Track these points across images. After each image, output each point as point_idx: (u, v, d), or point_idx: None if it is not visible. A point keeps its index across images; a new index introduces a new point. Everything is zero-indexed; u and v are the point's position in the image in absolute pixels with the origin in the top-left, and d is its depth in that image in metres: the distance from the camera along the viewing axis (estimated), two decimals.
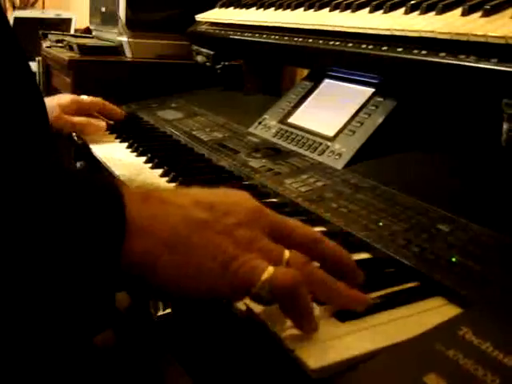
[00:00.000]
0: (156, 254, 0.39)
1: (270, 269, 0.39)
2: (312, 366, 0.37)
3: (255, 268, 0.39)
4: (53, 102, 1.00)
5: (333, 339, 0.40)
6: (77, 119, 1.01)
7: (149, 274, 0.39)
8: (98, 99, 1.09)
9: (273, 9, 1.05)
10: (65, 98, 1.05)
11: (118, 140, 1.00)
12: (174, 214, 0.41)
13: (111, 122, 1.07)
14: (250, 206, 0.43)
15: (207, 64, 1.28)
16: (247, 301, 0.44)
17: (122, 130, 1.04)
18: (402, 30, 0.70)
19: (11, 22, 2.46)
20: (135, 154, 0.90)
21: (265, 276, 0.39)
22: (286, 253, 0.41)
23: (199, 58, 1.29)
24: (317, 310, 0.44)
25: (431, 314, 0.44)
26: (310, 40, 0.88)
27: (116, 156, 0.89)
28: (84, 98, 1.07)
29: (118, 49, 1.46)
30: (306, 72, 1.08)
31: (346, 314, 0.42)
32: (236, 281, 0.40)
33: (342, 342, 0.40)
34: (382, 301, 0.45)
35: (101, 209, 0.38)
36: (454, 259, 0.49)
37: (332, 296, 0.42)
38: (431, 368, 0.35)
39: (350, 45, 0.79)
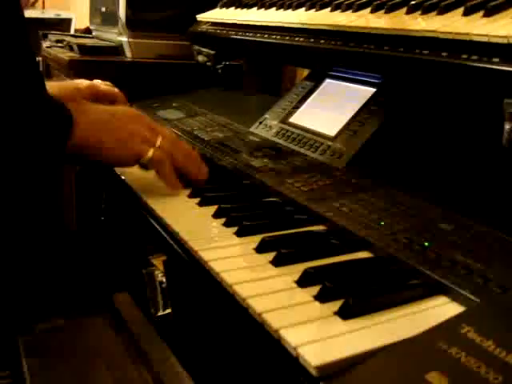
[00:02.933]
0: (88, 134, 0.68)
1: (151, 150, 0.71)
2: (314, 363, 0.37)
3: (144, 148, 0.71)
4: (71, 86, 0.99)
5: (335, 337, 0.40)
6: None
7: (85, 150, 0.68)
8: (115, 90, 1.07)
9: (274, 9, 1.05)
10: (82, 83, 1.04)
11: None
12: (97, 111, 0.72)
13: None
14: (136, 112, 0.77)
15: (208, 64, 1.28)
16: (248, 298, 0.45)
17: None
18: (404, 30, 0.71)
19: None
20: None
21: (148, 154, 0.70)
22: (159, 138, 0.72)
23: (200, 58, 1.29)
24: (320, 307, 0.44)
25: (433, 312, 0.44)
26: (312, 40, 0.88)
27: None
28: (101, 85, 1.06)
29: (118, 49, 1.46)
30: (306, 72, 1.08)
31: (348, 311, 0.42)
32: (134, 151, 0.71)
33: (344, 340, 0.40)
34: (384, 299, 0.45)
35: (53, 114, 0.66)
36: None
37: (186, 164, 0.74)
38: (433, 366, 0.35)
39: (352, 45, 0.79)
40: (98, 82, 1.06)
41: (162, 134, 0.73)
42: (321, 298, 0.45)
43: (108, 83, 1.07)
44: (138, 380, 0.79)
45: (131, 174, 0.78)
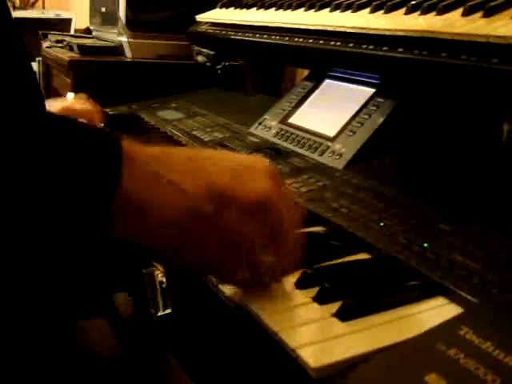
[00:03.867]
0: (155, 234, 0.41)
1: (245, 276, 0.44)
2: (312, 365, 0.37)
3: (232, 274, 0.44)
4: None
5: (333, 339, 0.40)
6: None
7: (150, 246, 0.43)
8: (91, 109, 1.05)
9: (273, 9, 1.05)
10: (55, 105, 1.02)
11: None
12: (179, 204, 0.41)
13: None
14: (259, 198, 0.43)
15: (207, 64, 1.28)
16: (247, 300, 0.45)
17: (123, 130, 1.04)
18: (403, 31, 0.71)
19: None
20: None
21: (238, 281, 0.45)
22: (265, 264, 0.44)
23: (200, 58, 1.29)
24: (318, 309, 0.44)
25: (432, 313, 0.44)
26: (311, 40, 0.88)
27: None
28: (77, 105, 1.04)
29: (118, 49, 1.46)
30: (305, 72, 1.08)
31: (347, 313, 0.42)
32: (227, 272, 0.45)
33: (342, 342, 0.40)
34: (383, 301, 0.45)
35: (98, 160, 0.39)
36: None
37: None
38: (432, 367, 0.34)
39: (351, 45, 0.79)
40: (72, 100, 1.05)
41: (282, 245, 0.45)
42: (319, 299, 0.45)
43: (82, 101, 1.06)
44: (137, 379, 0.79)
45: None
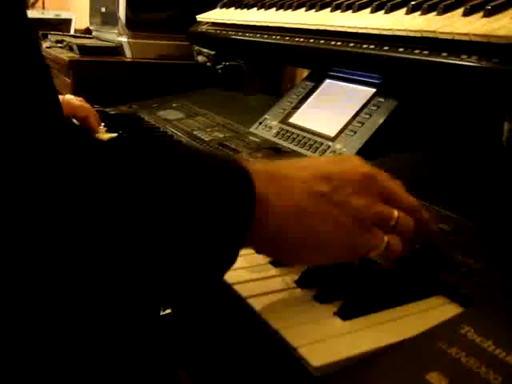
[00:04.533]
0: (284, 229, 0.41)
1: (385, 240, 0.45)
2: (314, 363, 0.37)
3: (371, 241, 0.44)
4: None
5: (335, 337, 0.40)
6: None
7: (277, 248, 0.43)
8: (86, 105, 1.05)
9: (274, 9, 1.05)
10: None
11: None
12: (298, 189, 0.43)
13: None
14: (363, 172, 0.46)
15: (208, 64, 1.28)
16: (248, 299, 0.45)
17: (123, 129, 1.04)
18: (404, 30, 0.71)
19: None
20: None
21: (380, 248, 0.44)
22: (395, 213, 0.46)
23: (200, 58, 1.29)
24: (319, 308, 0.44)
25: (433, 312, 0.44)
26: (312, 40, 0.88)
27: None
28: (75, 101, 1.05)
29: (118, 49, 1.46)
30: (305, 72, 1.08)
31: (348, 312, 0.42)
32: (355, 251, 0.45)
33: (344, 340, 0.40)
34: (383, 300, 0.45)
35: (229, 187, 0.39)
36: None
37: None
38: (433, 366, 0.35)
39: (352, 45, 0.79)
40: (70, 97, 1.05)
41: (399, 202, 0.47)
42: (320, 298, 0.45)
43: (80, 99, 1.06)
44: (137, 379, 0.79)
45: None
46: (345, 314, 0.42)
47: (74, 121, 1.02)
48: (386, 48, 0.73)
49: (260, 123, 0.95)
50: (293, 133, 0.87)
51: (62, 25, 2.64)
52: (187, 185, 0.36)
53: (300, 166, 0.46)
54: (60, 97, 0.89)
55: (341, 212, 0.43)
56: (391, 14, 0.78)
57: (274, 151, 0.83)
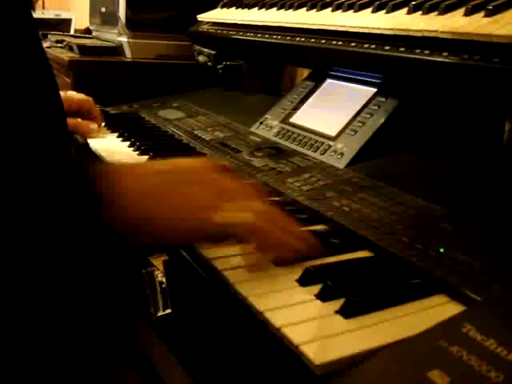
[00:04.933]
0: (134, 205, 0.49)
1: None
2: (316, 361, 0.37)
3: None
4: None
5: (337, 335, 0.40)
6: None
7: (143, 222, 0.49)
8: (88, 98, 1.06)
9: (275, 9, 1.05)
10: None
11: (120, 139, 1.00)
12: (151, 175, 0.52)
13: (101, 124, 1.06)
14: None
15: (209, 64, 1.28)
16: (249, 297, 0.45)
17: (124, 129, 1.04)
18: (405, 30, 0.71)
19: None
20: (137, 152, 0.90)
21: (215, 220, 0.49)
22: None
23: (201, 58, 1.29)
24: (321, 306, 0.44)
25: (434, 311, 0.44)
26: (313, 40, 0.88)
27: (118, 155, 0.89)
28: (74, 95, 1.05)
29: (118, 49, 1.46)
30: (306, 72, 1.08)
31: (350, 310, 0.42)
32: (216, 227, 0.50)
33: (345, 339, 0.40)
34: (385, 298, 0.45)
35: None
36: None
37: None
38: (435, 364, 0.35)
39: (353, 44, 0.79)
40: (72, 92, 1.05)
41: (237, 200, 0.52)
42: (322, 296, 0.45)
43: (81, 95, 1.06)
44: (137, 380, 0.79)
45: None
46: (347, 313, 0.42)
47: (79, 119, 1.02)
48: (387, 48, 0.73)
49: (261, 123, 0.95)
50: (293, 132, 0.87)
51: (62, 25, 2.64)
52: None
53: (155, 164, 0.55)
54: (61, 93, 0.90)
55: (198, 191, 0.51)
56: (392, 13, 0.78)
57: (275, 151, 0.83)
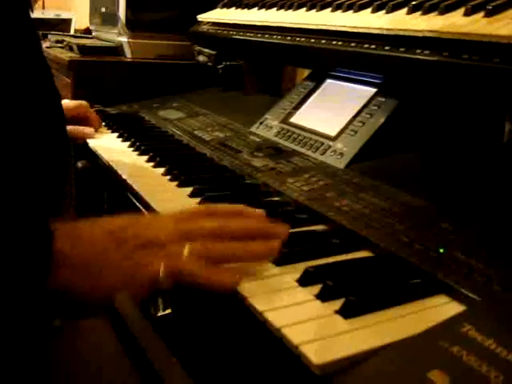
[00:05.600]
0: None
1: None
2: (316, 362, 0.37)
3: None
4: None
5: (337, 336, 0.40)
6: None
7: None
8: (82, 102, 1.05)
9: (275, 9, 1.05)
10: (69, 103, 1.02)
11: (120, 139, 1.00)
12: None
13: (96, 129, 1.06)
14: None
15: (209, 64, 1.28)
16: (249, 298, 0.45)
17: (124, 129, 1.04)
18: (405, 30, 0.71)
19: None
20: (137, 152, 0.90)
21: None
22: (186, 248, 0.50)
23: (201, 58, 1.29)
24: (321, 306, 0.44)
25: (434, 311, 0.44)
26: (313, 40, 0.88)
27: (118, 155, 0.89)
28: (67, 102, 1.04)
29: (117, 49, 1.46)
30: (306, 72, 1.08)
31: (350, 310, 0.43)
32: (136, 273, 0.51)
33: (345, 339, 0.40)
34: (385, 298, 0.45)
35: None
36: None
37: (239, 258, 0.51)
38: (435, 364, 0.35)
39: (353, 45, 0.79)
40: (65, 101, 1.04)
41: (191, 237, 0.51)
42: (322, 296, 0.45)
43: (75, 101, 1.05)
44: (137, 380, 0.79)
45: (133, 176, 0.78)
46: (347, 313, 0.43)
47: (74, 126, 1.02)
48: (386, 48, 0.73)
49: (261, 123, 0.95)
50: (293, 132, 0.87)
51: (62, 25, 2.64)
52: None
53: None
54: (73, 102, 0.89)
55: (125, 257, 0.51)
56: (392, 13, 0.78)
57: (275, 151, 0.84)
